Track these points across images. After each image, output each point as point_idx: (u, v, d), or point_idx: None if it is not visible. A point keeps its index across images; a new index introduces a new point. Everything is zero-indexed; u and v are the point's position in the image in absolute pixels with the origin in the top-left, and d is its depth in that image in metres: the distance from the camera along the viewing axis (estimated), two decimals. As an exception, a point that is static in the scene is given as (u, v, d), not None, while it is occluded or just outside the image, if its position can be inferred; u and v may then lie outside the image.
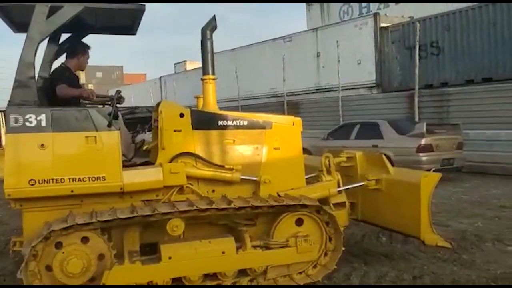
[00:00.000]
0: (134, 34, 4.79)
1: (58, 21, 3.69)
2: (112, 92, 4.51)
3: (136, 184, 3.76)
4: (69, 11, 3.69)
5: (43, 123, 3.55)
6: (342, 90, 14.29)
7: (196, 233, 3.85)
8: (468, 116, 10.76)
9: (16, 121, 3.51)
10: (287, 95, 16.02)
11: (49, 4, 3.62)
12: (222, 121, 4.22)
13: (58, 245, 3.45)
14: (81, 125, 3.65)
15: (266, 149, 4.32)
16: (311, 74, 16.19)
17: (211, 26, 4.49)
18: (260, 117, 4.47)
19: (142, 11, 4.06)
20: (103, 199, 3.74)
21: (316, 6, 19.61)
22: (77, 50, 4.30)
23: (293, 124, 4.54)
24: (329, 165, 4.59)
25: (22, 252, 3.53)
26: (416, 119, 11.36)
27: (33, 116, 3.54)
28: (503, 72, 11.02)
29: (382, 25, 13.98)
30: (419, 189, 4.16)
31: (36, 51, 3.69)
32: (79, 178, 3.58)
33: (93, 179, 3.61)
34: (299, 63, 16.28)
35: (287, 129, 4.49)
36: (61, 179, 3.53)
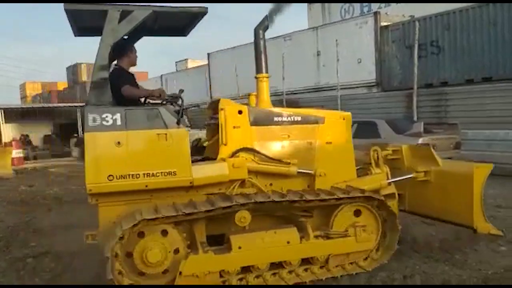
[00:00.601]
0: (185, 35, 4.93)
1: (129, 25, 3.89)
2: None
3: (205, 178, 3.99)
4: (139, 15, 3.89)
5: (118, 122, 3.77)
6: (343, 89, 14.26)
7: (257, 225, 4.04)
8: (467, 115, 10.73)
9: (94, 120, 3.74)
10: (286, 94, 15.99)
11: (121, 9, 3.82)
12: (277, 117, 4.45)
13: (141, 235, 3.73)
14: (152, 123, 3.86)
15: (319, 143, 4.55)
16: (311, 72, 16.16)
17: (263, 26, 4.77)
18: (313, 112, 4.71)
19: (204, 13, 4.22)
20: (171, 193, 3.96)
21: (317, 4, 19.58)
22: (125, 48, 4.38)
23: (343, 119, 4.74)
24: (378, 158, 4.81)
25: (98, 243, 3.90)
26: (415, 118, 11.33)
27: (109, 115, 3.75)
28: (503, 72, 10.97)
29: (383, 24, 13.94)
30: (472, 179, 4.36)
31: (109, 54, 3.89)
32: (153, 173, 3.79)
33: (165, 174, 3.82)
34: (299, 61, 16.25)
35: (338, 124, 4.69)
36: (136, 174, 3.75)
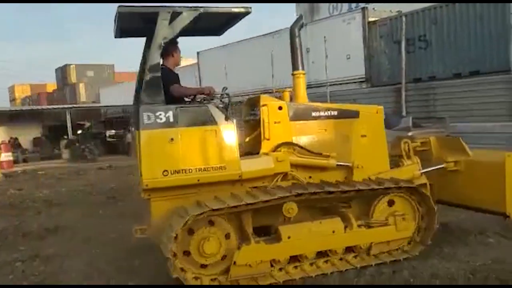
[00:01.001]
0: (220, 35, 5.11)
1: (179, 26, 4.08)
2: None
3: (252, 172, 4.22)
4: (187, 16, 4.08)
5: (171, 119, 3.97)
6: (333, 85, 14.26)
7: (300, 216, 4.23)
8: (455, 109, 10.78)
9: (149, 118, 3.92)
10: (276, 91, 15.95)
11: (171, 11, 4.01)
12: (315, 112, 4.70)
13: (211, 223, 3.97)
14: (202, 119, 4.09)
15: (355, 136, 4.79)
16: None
17: (298, 24, 5.02)
18: (348, 107, 4.99)
19: (247, 13, 4.41)
20: (218, 187, 4.15)
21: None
22: (170, 48, 4.48)
23: (377, 113, 4.97)
24: (409, 150, 5.05)
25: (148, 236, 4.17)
26: (404, 113, 11.37)
27: (163, 113, 3.95)
28: (490, 65, 11.01)
29: (370, 19, 13.92)
30: (504, 167, 4.56)
31: (168, 55, 4.17)
32: (204, 168, 4.02)
33: (215, 168, 4.05)
34: (289, 58, 16.20)
35: (372, 117, 4.93)
36: (189, 169, 3.97)
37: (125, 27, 4.47)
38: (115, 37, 4.70)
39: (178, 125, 3.98)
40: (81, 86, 40.73)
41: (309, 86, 15.80)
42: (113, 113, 25.46)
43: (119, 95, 28.73)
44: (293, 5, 20.58)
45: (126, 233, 6.05)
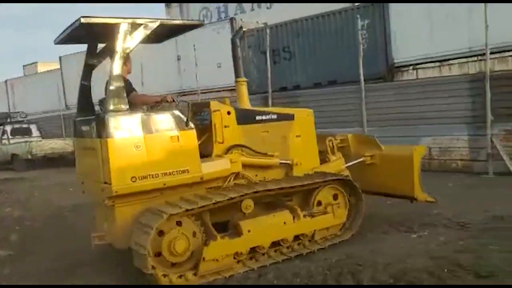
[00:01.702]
0: (160, 42, 5.30)
1: (139, 37, 4.28)
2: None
3: (212, 173, 4.53)
4: (148, 27, 4.29)
5: (136, 127, 4.12)
6: (205, 93, 14.40)
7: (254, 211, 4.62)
8: (317, 116, 11.62)
9: (115, 126, 4.03)
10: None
11: (132, 22, 4.20)
12: (258, 116, 5.17)
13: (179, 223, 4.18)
14: (165, 126, 4.28)
15: (291, 137, 5.34)
16: (173, 77, 16.02)
17: (239, 35, 5.78)
18: (285, 110, 5.50)
19: (200, 26, 4.91)
20: (179, 189, 4.36)
21: (176, 8, 19.49)
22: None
23: (307, 116, 5.59)
24: (333, 146, 5.77)
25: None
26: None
27: (128, 121, 4.10)
28: (344, 76, 12.16)
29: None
30: (413, 158, 5.40)
31: (122, 64, 4.23)
32: (169, 172, 4.22)
33: (179, 172, 4.27)
34: (161, 66, 15.98)
35: (305, 119, 5.52)
36: (155, 174, 4.15)
37: (72, 35, 4.50)
38: (55, 43, 4.77)
39: (143, 132, 4.14)
40: None
41: (183, 94, 15.88)
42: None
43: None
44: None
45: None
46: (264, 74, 13.34)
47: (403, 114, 10.13)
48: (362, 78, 10.64)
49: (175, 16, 19.90)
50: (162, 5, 20.36)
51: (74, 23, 4.12)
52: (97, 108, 5.03)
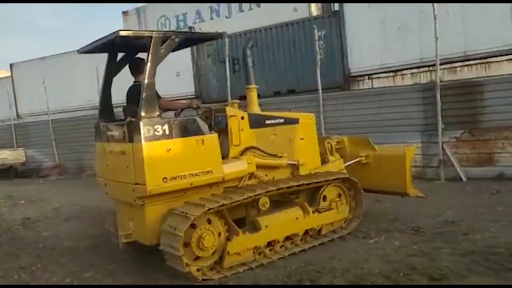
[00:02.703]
0: (175, 51, 5.32)
1: (170, 48, 4.62)
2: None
3: (232, 173, 4.89)
4: (176, 39, 4.64)
5: (167, 131, 4.44)
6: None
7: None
8: (276, 124, 11.74)
9: (149, 131, 4.33)
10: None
11: (163, 35, 4.56)
12: (268, 120, 5.59)
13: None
14: (191, 130, 4.60)
15: (296, 139, 5.79)
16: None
17: (249, 45, 6.55)
18: (291, 115, 5.89)
19: (220, 38, 5.81)
20: (201, 189, 4.69)
21: (133, 16, 19.15)
22: (142, 65, 4.68)
23: (310, 119, 6.07)
24: (331, 147, 6.31)
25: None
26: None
27: (160, 126, 4.40)
28: (303, 85, 12.37)
29: (198, 38, 14.36)
30: (405, 157, 5.99)
31: (155, 73, 4.48)
32: (195, 173, 4.55)
33: (204, 173, 4.60)
34: (121, 73, 15.65)
35: (307, 123, 6.00)
36: (183, 175, 4.47)
37: (97, 47, 4.81)
38: (79, 52, 5.11)
39: (173, 136, 4.44)
40: None
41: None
42: None
43: None
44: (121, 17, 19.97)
45: None
46: (224, 82, 13.35)
47: (360, 122, 10.38)
48: (320, 87, 10.86)
49: (131, 25, 19.61)
50: (120, 12, 19.99)
51: (110, 35, 4.43)
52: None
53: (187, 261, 4.26)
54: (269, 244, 4.96)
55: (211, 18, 16.56)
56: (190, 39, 5.27)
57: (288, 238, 5.15)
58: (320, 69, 10.95)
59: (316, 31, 11.08)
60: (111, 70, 5.22)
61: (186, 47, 5.65)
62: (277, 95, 12.87)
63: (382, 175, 6.14)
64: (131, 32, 4.51)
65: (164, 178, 4.35)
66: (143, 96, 4.41)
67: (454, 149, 9.45)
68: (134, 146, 4.37)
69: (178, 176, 4.42)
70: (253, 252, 4.79)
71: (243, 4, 15.27)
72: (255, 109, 5.91)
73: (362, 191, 5.73)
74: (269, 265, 4.75)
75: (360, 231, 5.77)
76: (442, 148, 9.35)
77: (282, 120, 5.70)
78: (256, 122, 5.43)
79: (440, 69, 9.59)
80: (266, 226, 4.83)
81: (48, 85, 16.09)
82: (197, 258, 4.40)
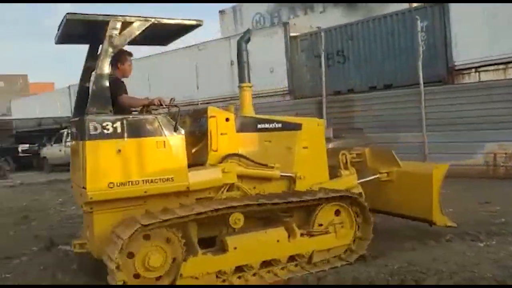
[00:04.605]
0: (166, 45, 5.10)
1: (129, 36, 4.03)
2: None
3: (200, 183, 4.16)
4: (139, 27, 4.04)
5: (119, 130, 3.86)
6: (258, 97, 14.48)
7: (245, 226, 4.21)
8: (371, 120, 11.43)
9: (95, 129, 3.79)
10: (201, 103, 15.93)
11: (122, 20, 3.96)
12: (260, 124, 4.76)
13: (147, 237, 3.80)
14: (151, 130, 3.99)
15: (297, 148, 4.86)
16: (225, 81, 16.24)
17: (245, 38, 5.12)
18: (292, 119, 5.07)
19: (199, 26, 4.45)
20: (164, 198, 4.07)
21: (229, 14, 19.82)
22: (120, 58, 4.42)
23: (318, 125, 5.12)
24: (346, 161, 5.24)
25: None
26: (325, 125, 11.81)
27: (110, 124, 3.83)
28: (401, 79, 11.84)
29: (292, 34, 14.43)
30: (432, 178, 4.88)
31: (109, 63, 3.97)
32: (151, 179, 3.92)
33: (163, 180, 3.96)
34: (213, 71, 16.27)
35: (313, 130, 5.04)
36: (136, 181, 3.86)
37: (69, 34, 4.33)
38: (55, 43, 4.57)
39: (126, 136, 3.88)
40: (-10, 97, 37.75)
41: (235, 98, 16.07)
42: (26, 126, 23.82)
43: (34, 107, 27.02)
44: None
45: (39, 254, 5.68)
46: (317, 78, 13.25)
47: (466, 118, 9.70)
48: (421, 81, 10.31)
49: (228, 23, 20.27)
50: (217, 11, 20.73)
51: (62, 20, 3.96)
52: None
53: (124, 278, 3.64)
54: (240, 269, 4.14)
55: (305, 13, 16.53)
56: (160, 28, 4.35)
57: (268, 264, 4.28)
58: (421, 62, 10.39)
59: (418, 21, 10.51)
60: (90, 64, 4.59)
61: (173, 38, 4.94)
62: (372, 90, 12.48)
63: (405, 196, 5.11)
64: (82, 16, 3.91)
65: (110, 183, 3.77)
66: (93, 89, 3.93)
67: None
68: (81, 145, 3.87)
69: (129, 182, 3.83)
70: (217, 277, 4.03)
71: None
72: (248, 111, 5.03)
73: (369, 213, 4.66)
74: (370, 262, 4.61)
75: (468, 233, 5.36)
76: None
77: (279, 125, 4.83)
78: (245, 125, 4.67)
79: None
80: (235, 248, 4.03)
81: (152, 82, 17.18)
82: (137, 276, 3.77)
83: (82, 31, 4.23)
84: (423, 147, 10.37)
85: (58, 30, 4.24)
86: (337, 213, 4.62)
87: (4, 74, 38.81)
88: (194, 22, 4.41)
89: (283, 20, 17.11)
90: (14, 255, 5.62)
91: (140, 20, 4.05)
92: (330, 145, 9.17)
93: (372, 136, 10.56)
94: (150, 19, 4.07)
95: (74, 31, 4.27)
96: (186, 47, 17.63)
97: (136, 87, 18.85)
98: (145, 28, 4.09)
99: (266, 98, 14.75)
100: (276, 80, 14.76)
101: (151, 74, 17.32)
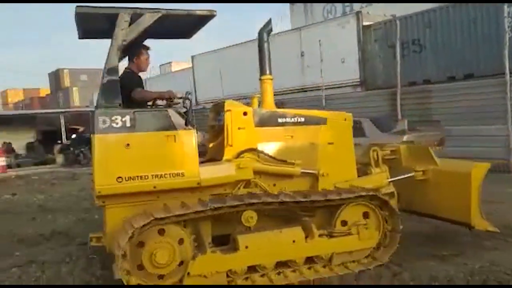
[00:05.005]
0: (189, 38, 4.96)
1: (139, 28, 3.96)
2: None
3: (212, 179, 4.03)
4: (148, 19, 3.95)
5: (128, 124, 3.82)
6: (328, 88, 14.32)
7: (261, 224, 4.06)
8: (449, 112, 10.86)
9: (104, 122, 3.77)
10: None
11: (131, 12, 3.88)
12: (281, 119, 4.54)
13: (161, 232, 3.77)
14: (161, 124, 3.93)
15: (321, 143, 4.62)
16: (295, 73, 16.20)
17: (267, 28, 4.85)
18: (316, 113, 4.80)
19: (212, 17, 4.28)
20: (178, 193, 3.98)
21: (299, 5, 19.66)
22: (134, 52, 4.40)
23: (345, 120, 4.84)
24: (377, 158, 4.92)
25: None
26: (399, 117, 11.42)
27: (119, 118, 3.80)
28: (483, 68, 11.11)
29: (365, 23, 14.03)
30: (470, 178, 4.47)
31: (119, 56, 3.93)
32: (161, 174, 3.84)
33: (173, 175, 3.88)
34: (284, 62, 16.23)
35: (339, 125, 4.78)
36: (145, 176, 3.80)
37: (88, 28, 4.36)
38: (79, 38, 4.59)
39: (135, 130, 3.83)
40: (75, 90, 40.56)
41: (305, 90, 16.01)
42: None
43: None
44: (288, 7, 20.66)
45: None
46: (390, 68, 12.82)
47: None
48: (507, 70, 9.62)
49: (298, 14, 20.12)
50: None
51: (74, 14, 3.92)
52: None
53: (127, 269, 3.60)
54: (253, 269, 4.00)
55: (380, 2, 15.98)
56: (174, 20, 4.26)
57: (283, 264, 4.09)
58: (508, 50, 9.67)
59: (505, 6, 9.78)
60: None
61: (194, 31, 4.79)
62: (451, 80, 11.82)
63: (442, 197, 4.71)
64: (91, 8, 3.87)
65: (119, 177, 3.72)
66: (103, 82, 3.88)
67: None
68: (93, 138, 3.84)
69: (137, 176, 3.77)
70: (228, 276, 3.91)
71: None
72: (269, 104, 4.79)
73: (397, 213, 4.36)
74: (448, 260, 4.43)
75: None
76: None
77: (302, 119, 4.58)
78: (265, 120, 4.46)
79: None
80: (246, 247, 3.90)
81: (223, 75, 17.55)
82: (141, 267, 3.73)
83: (102, 26, 4.17)
84: (507, 141, 9.72)
85: (76, 25, 4.25)
86: (366, 215, 4.34)
87: (87, 68, 41.43)
88: (206, 13, 4.21)
89: (355, 9, 16.67)
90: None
91: (150, 12, 3.95)
92: (405, 138, 8.94)
93: (450, 129, 10.05)
94: (160, 10, 3.99)
95: (93, 26, 4.25)
96: (255, 39, 17.79)
97: (208, 80, 19.48)
98: (155, 20, 3.98)
99: (336, 89, 14.52)
100: (347, 71, 14.47)
101: (222, 67, 17.69)
